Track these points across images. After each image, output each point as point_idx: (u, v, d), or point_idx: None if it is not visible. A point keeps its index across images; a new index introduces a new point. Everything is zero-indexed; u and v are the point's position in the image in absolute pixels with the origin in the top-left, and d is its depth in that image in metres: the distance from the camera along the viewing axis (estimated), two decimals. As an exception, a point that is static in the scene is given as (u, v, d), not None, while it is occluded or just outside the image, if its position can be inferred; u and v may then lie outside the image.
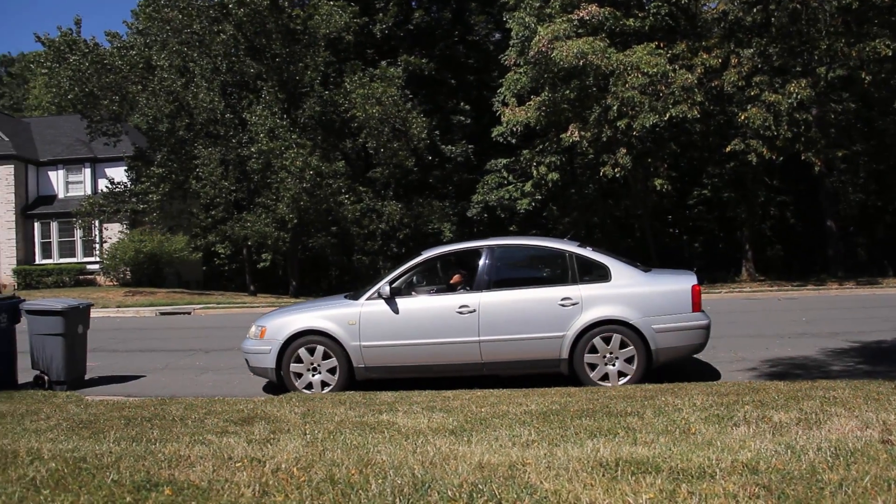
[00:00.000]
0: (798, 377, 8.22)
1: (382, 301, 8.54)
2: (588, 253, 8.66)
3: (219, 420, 5.99)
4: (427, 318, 8.56)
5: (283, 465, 3.38)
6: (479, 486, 2.84)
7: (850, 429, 4.30)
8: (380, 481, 2.92)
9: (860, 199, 32.77)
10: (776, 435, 4.22)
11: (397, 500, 2.66)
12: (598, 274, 8.47)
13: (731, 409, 5.28)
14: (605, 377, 8.14)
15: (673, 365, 9.12)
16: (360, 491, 2.81)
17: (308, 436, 4.88)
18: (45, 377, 9.38)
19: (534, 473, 3.09)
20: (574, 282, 8.41)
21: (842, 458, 3.32)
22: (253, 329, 9.02)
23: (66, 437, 5.19)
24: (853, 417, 4.68)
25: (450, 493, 2.74)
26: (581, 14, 23.77)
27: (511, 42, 27.13)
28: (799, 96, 22.04)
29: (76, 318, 9.61)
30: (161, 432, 5.31)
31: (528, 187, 32.61)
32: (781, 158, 24.95)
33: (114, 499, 2.73)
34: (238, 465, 3.42)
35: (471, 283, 8.77)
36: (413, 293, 9.11)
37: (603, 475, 3.06)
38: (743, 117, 23.09)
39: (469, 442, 4.42)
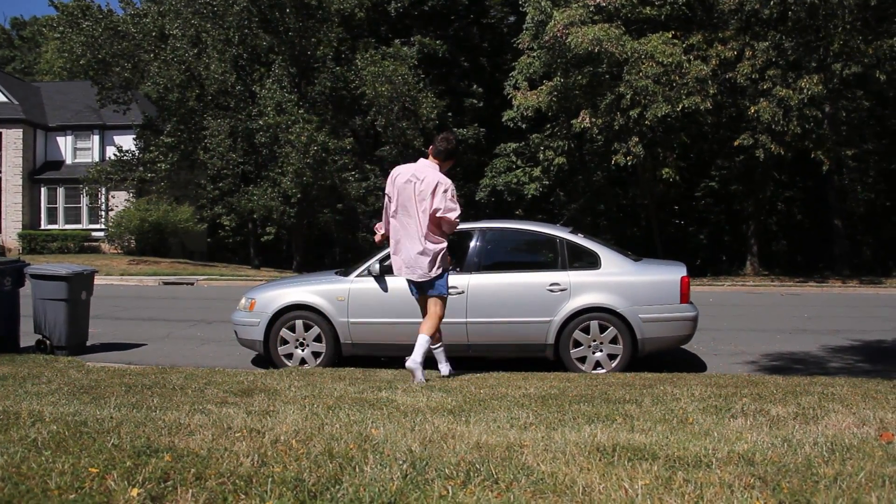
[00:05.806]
0: (797, 372, 8.24)
1: (372, 278, 8.48)
2: (579, 239, 8.65)
3: (219, 391, 6.02)
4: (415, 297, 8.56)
5: (282, 437, 3.40)
6: (477, 465, 2.86)
7: (846, 425, 4.31)
8: (378, 457, 2.94)
9: (868, 198, 32.65)
10: (773, 428, 4.23)
11: (395, 475, 2.68)
12: (588, 261, 8.46)
13: (729, 401, 5.29)
14: (590, 364, 8.16)
15: (671, 354, 9.17)
16: (358, 465, 2.83)
17: (307, 409, 4.90)
18: (48, 342, 9.44)
19: (531, 455, 3.11)
20: (563, 268, 8.42)
21: (837, 454, 3.33)
22: (243, 301, 9.01)
23: (67, 401, 5.22)
24: (850, 414, 4.68)
25: (447, 471, 2.76)
26: (598, 0, 23.60)
27: (525, 26, 26.98)
28: (810, 92, 21.89)
29: (80, 284, 9.65)
30: (161, 400, 5.33)
31: (536, 172, 32.46)
32: (790, 155, 24.86)
33: (114, 463, 2.75)
34: (237, 434, 3.44)
35: (461, 264, 8.73)
36: None
37: (599, 460, 3.08)
38: (753, 111, 22.97)
39: (467, 422, 4.43)
